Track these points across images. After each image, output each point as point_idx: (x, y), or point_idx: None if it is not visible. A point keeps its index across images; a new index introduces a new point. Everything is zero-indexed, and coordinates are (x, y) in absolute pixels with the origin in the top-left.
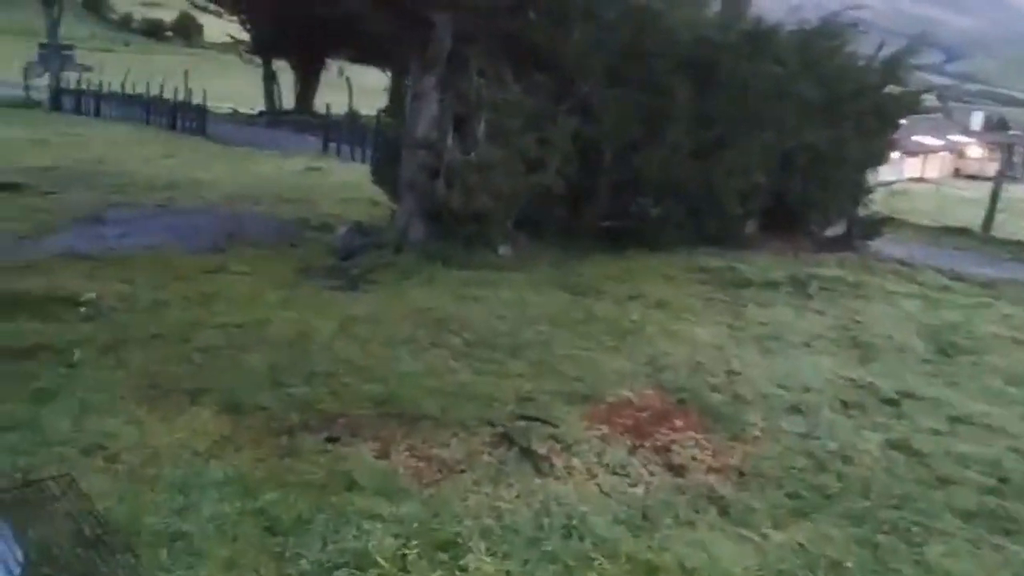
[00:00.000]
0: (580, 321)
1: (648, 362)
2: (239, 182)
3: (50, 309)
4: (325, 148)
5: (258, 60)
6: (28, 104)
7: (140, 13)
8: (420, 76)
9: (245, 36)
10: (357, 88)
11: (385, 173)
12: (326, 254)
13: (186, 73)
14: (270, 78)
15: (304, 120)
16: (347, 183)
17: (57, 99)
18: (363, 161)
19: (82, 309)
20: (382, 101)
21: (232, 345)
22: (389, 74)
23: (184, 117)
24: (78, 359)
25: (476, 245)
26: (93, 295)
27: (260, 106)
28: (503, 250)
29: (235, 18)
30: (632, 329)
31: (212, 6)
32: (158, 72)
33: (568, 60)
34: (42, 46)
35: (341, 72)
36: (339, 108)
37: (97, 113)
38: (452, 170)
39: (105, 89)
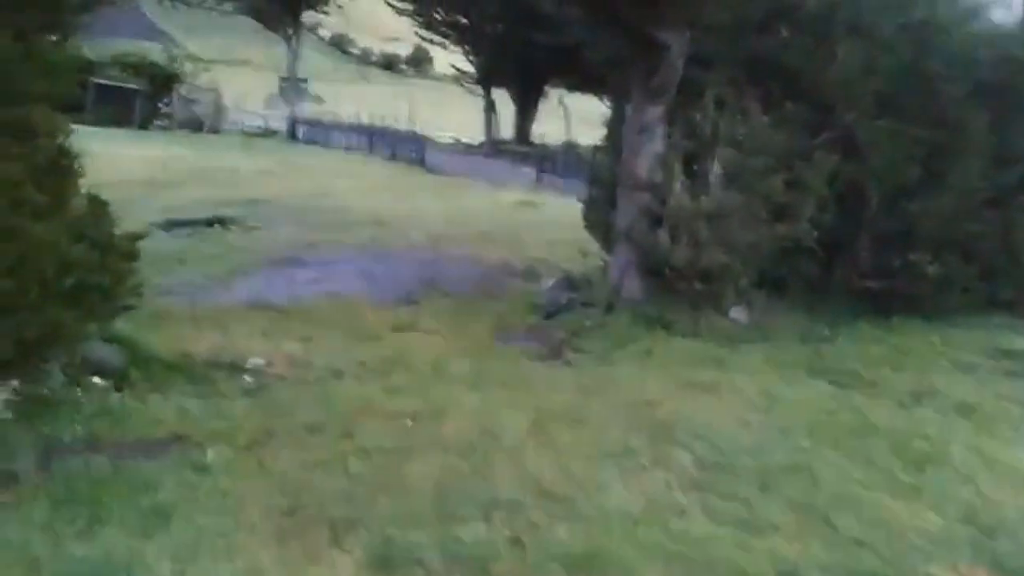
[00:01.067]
0: (852, 433)
1: (966, 516)
2: (448, 217)
3: (210, 378)
4: (539, 180)
5: (480, 90)
6: (267, 134)
7: (379, 48)
8: (644, 106)
9: (469, 67)
10: (576, 117)
11: (598, 217)
12: (528, 310)
13: (410, 104)
14: (490, 108)
15: (521, 150)
16: (559, 221)
17: (293, 129)
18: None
19: (246, 378)
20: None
21: (400, 448)
22: (608, 103)
23: (405, 147)
24: (211, 460)
25: (704, 308)
26: (261, 362)
27: (481, 136)
28: (736, 313)
29: (460, 49)
30: (931, 453)
31: (438, 38)
32: (387, 103)
33: (829, 86)
34: (282, 79)
35: (560, 101)
36: (557, 138)
37: (327, 143)
38: (678, 218)
39: (339, 119)
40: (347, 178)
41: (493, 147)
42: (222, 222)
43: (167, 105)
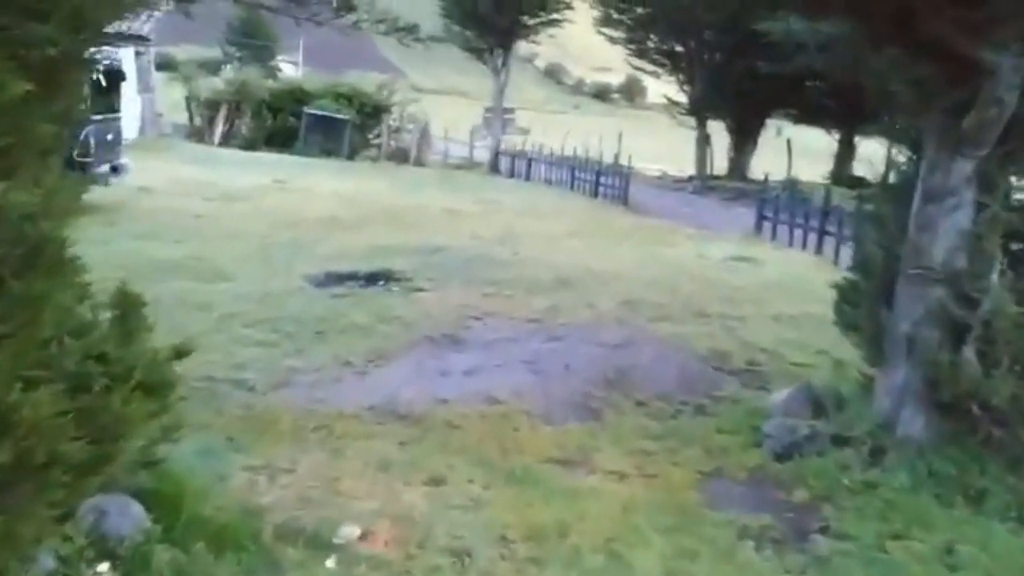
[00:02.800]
0: None
1: None
2: (645, 276)
3: (275, 562)
4: (758, 227)
5: (692, 121)
6: (470, 166)
7: (592, 77)
8: (945, 159)
9: (682, 97)
10: (797, 150)
11: (859, 313)
12: (749, 438)
13: (618, 135)
14: (703, 140)
15: (736, 187)
16: (786, 285)
17: (495, 161)
18: (804, 246)
19: (328, 564)
20: (826, 165)
21: None
22: (836, 136)
23: (607, 181)
24: None
25: None
26: (355, 532)
27: (690, 169)
28: None
29: (673, 79)
30: None
31: (650, 67)
32: (595, 133)
33: None
34: (487, 110)
35: (778, 132)
36: (775, 173)
37: (528, 176)
38: (995, 328)
39: (544, 151)
40: (538, 219)
41: (703, 183)
42: (386, 278)
43: (376, 136)
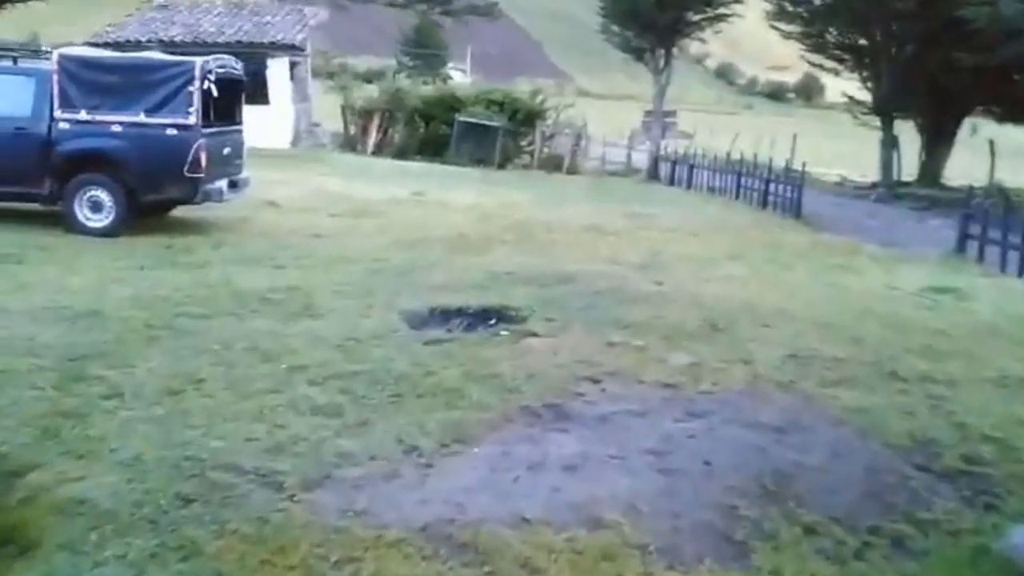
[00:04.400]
0: None
1: None
2: (819, 316)
3: None
4: (961, 246)
5: (876, 121)
6: (627, 173)
7: (765, 76)
8: None
9: (865, 95)
10: (1001, 151)
11: None
12: None
13: (794, 137)
14: (889, 143)
15: (929, 195)
16: (1003, 327)
17: (654, 167)
18: (1021, 275)
19: None
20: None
21: None
22: None
23: (777, 190)
24: None
25: None
26: None
27: (874, 174)
28: None
29: (855, 76)
30: None
31: (829, 63)
32: (766, 135)
33: None
34: (646, 113)
35: (974, 131)
36: (971, 177)
37: (688, 184)
38: None
39: (707, 155)
40: (693, 237)
41: (889, 190)
42: (498, 316)
43: (529, 143)
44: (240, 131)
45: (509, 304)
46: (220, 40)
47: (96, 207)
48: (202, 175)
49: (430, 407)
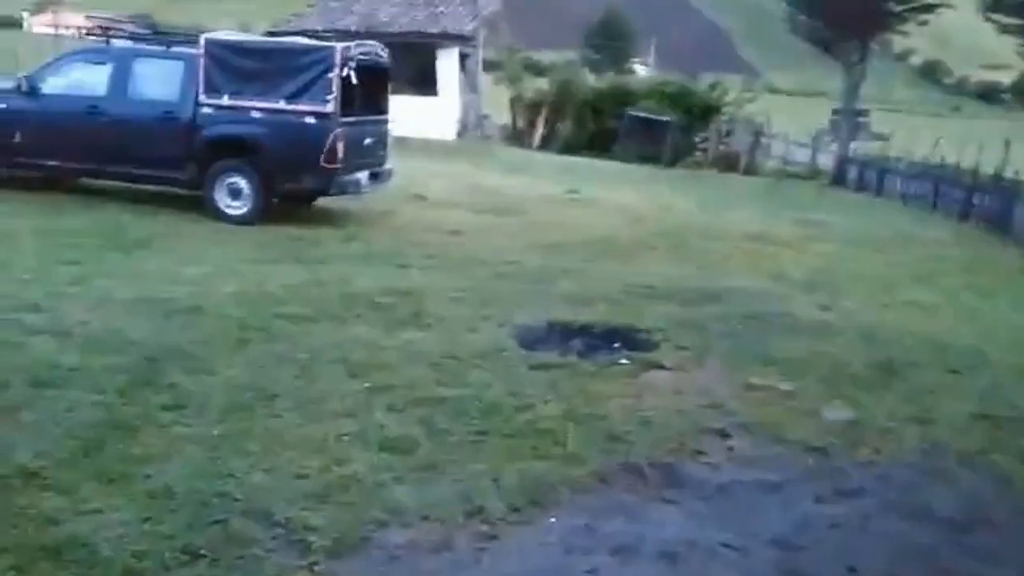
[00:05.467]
0: None
1: None
2: (1021, 363)
3: None
4: None
5: None
6: (810, 175)
7: (977, 75)
8: None
9: None
10: None
11: None
12: None
13: (1006, 143)
14: None
15: None
16: None
17: (841, 170)
18: None
19: None
20: None
21: None
22: None
23: (981, 201)
24: None
25: None
26: None
27: None
28: None
29: None
30: None
31: None
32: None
33: None
34: (834, 112)
35: None
36: None
37: (879, 190)
38: None
39: (903, 159)
40: (875, 253)
41: None
42: (624, 340)
43: (703, 140)
44: (385, 121)
45: (640, 324)
46: (391, 30)
47: (235, 194)
48: (339, 166)
49: (514, 453)
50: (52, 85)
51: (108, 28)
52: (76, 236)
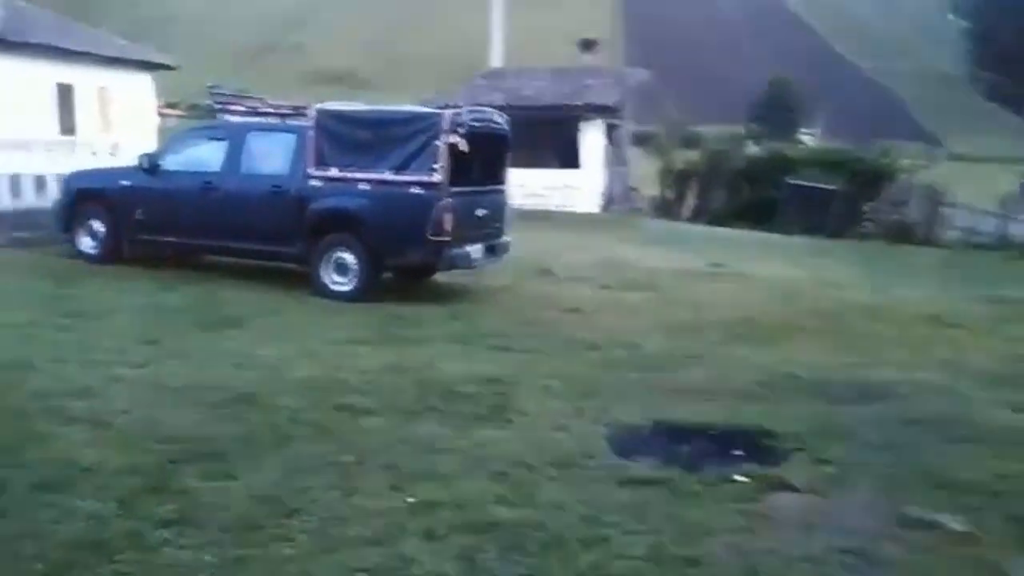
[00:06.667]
0: None
1: None
2: None
3: None
4: None
5: None
6: (1000, 246)
7: None
8: None
9: None
10: None
11: None
12: None
13: None
14: None
15: None
16: None
17: None
18: None
19: None
20: None
21: None
22: None
23: None
24: None
25: None
26: None
27: None
28: None
29: None
30: None
31: None
32: None
33: None
34: None
35: None
36: None
37: None
38: None
39: None
40: None
41: None
42: (747, 447)
43: (872, 209)
44: (501, 192)
45: (772, 427)
46: (536, 104)
47: (341, 270)
48: (447, 239)
49: None
50: (171, 162)
51: (228, 104)
52: (170, 313)
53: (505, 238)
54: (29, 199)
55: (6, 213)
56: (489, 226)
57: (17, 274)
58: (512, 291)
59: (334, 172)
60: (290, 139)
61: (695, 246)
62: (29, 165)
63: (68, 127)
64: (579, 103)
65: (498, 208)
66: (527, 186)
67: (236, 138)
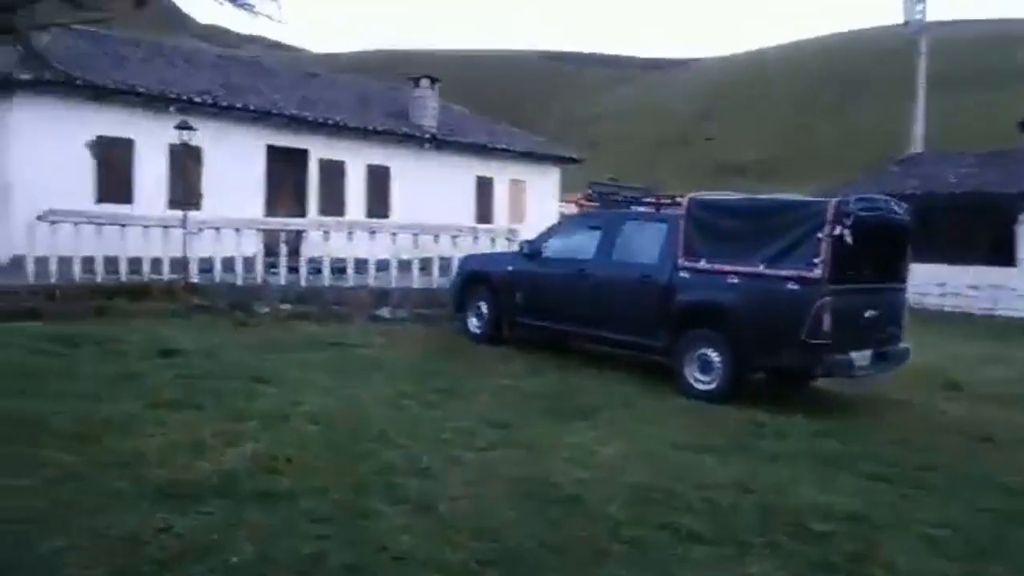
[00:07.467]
0: None
1: None
2: None
3: None
4: None
5: None
6: None
7: None
8: None
9: None
10: None
11: None
12: None
13: None
14: None
15: None
16: None
17: None
18: None
19: None
20: None
21: None
22: None
23: None
24: None
25: None
26: None
27: None
28: None
29: None
30: None
31: None
32: None
33: None
34: None
35: None
36: None
37: None
38: None
39: None
40: None
41: None
42: None
43: None
44: (898, 290)
45: None
46: (955, 191)
47: (705, 367)
48: (826, 341)
49: None
50: (550, 248)
51: (606, 194)
52: (528, 399)
53: (901, 344)
54: (436, 279)
55: (412, 291)
56: (880, 329)
57: (409, 347)
58: (907, 408)
59: (703, 264)
60: (662, 229)
61: None
62: (438, 248)
63: (484, 215)
64: (1013, 191)
65: (893, 309)
66: (947, 285)
67: (611, 227)
